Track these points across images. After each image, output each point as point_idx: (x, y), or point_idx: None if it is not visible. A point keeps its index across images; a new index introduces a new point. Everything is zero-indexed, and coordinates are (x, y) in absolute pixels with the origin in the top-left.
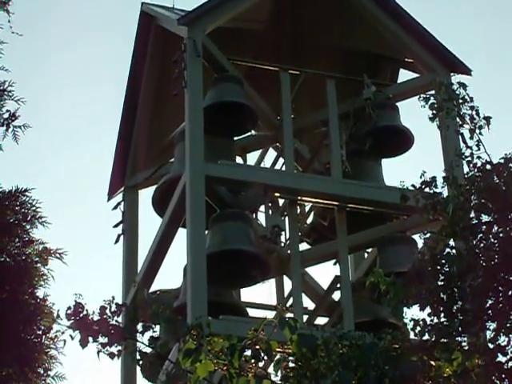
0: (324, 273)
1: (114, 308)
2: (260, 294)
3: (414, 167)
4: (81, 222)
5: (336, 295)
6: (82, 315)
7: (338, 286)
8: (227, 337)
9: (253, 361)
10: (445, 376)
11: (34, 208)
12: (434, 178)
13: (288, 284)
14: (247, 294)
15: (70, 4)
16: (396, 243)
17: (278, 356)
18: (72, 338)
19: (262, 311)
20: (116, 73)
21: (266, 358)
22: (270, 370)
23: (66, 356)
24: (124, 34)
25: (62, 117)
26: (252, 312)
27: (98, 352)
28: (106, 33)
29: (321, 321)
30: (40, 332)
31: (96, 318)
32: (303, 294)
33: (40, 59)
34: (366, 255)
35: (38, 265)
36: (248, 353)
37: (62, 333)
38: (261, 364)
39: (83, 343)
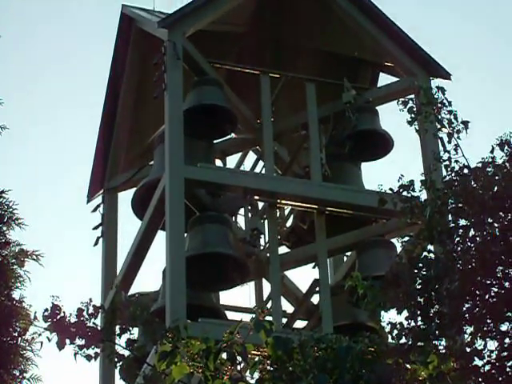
0: (303, 276)
1: (91, 310)
2: (239, 298)
3: (394, 171)
4: (60, 224)
5: (315, 298)
6: (59, 317)
7: (317, 289)
8: (204, 339)
9: (228, 363)
10: (420, 379)
11: (10, 209)
12: (411, 182)
13: (267, 287)
14: (226, 297)
15: (52, 3)
16: (375, 247)
17: (254, 358)
18: (49, 340)
19: (241, 314)
20: (96, 75)
21: (241, 360)
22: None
23: (41, 358)
24: (104, 36)
25: (40, 118)
26: (231, 315)
27: (75, 354)
28: (86, 36)
29: (300, 324)
30: (16, 334)
31: (73, 320)
32: (282, 298)
33: (16, 57)
34: (345, 259)
35: (15, 266)
36: (224, 355)
37: (39, 335)
38: (238, 367)
39: (60, 345)
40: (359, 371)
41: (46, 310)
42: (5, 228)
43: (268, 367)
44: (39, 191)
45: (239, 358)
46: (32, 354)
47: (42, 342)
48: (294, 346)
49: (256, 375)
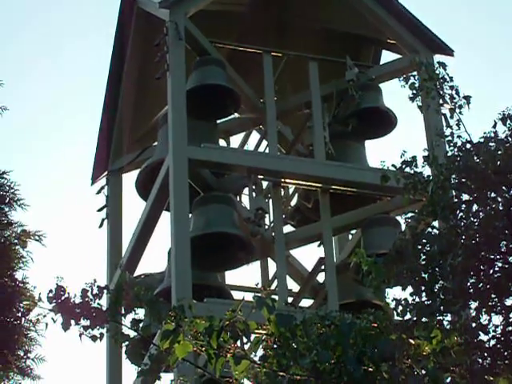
0: (308, 255)
1: (95, 291)
2: (245, 277)
3: (398, 148)
4: (64, 206)
5: (320, 277)
6: (63, 298)
7: (323, 267)
8: (209, 318)
9: (231, 341)
10: (424, 354)
11: (12, 190)
12: (414, 158)
13: (272, 266)
14: (232, 276)
15: None
16: (380, 224)
17: (257, 336)
18: (54, 321)
19: (246, 294)
20: (99, 57)
21: (244, 338)
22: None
23: (46, 338)
24: (106, 18)
25: (43, 98)
26: (237, 295)
27: (81, 335)
28: (88, 17)
29: (305, 303)
30: (19, 314)
31: (78, 300)
32: (288, 277)
33: (16, 38)
34: (350, 237)
35: (17, 247)
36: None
37: (44, 316)
38: (243, 346)
39: (65, 326)
40: (362, 347)
41: (51, 291)
42: (7, 209)
43: (271, 344)
44: (42, 172)
45: (242, 336)
46: (36, 334)
47: (46, 324)
48: (297, 324)
49: (259, 353)
